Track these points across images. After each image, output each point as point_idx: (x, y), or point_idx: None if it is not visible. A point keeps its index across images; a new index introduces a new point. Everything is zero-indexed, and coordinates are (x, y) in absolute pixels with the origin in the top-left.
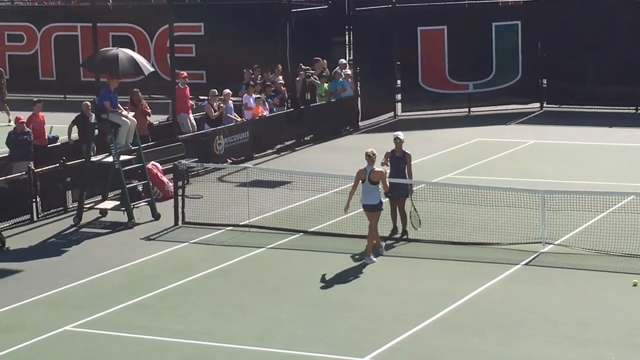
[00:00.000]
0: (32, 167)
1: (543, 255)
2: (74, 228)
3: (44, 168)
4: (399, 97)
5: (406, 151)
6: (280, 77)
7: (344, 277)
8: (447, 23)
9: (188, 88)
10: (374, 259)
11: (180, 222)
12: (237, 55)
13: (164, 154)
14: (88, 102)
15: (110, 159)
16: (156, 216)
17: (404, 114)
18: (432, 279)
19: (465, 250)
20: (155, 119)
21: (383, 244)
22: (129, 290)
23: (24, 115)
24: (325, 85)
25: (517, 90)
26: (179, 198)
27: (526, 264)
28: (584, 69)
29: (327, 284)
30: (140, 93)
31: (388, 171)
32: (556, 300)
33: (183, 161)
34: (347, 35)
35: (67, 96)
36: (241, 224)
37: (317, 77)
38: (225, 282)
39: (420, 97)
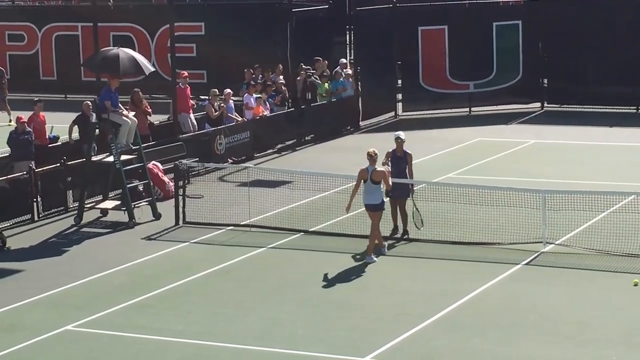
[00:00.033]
0: (33, 167)
1: (544, 255)
2: (74, 228)
3: (44, 168)
4: (399, 96)
5: (407, 151)
6: (281, 77)
7: (345, 276)
8: (448, 23)
9: (189, 88)
10: (375, 258)
11: (180, 222)
12: (237, 55)
13: (165, 154)
14: (89, 102)
15: (111, 158)
16: (157, 216)
17: (404, 113)
18: (433, 278)
19: (466, 250)
20: (156, 119)
21: (385, 244)
22: (129, 290)
23: (25, 115)
24: (326, 85)
25: (517, 90)
26: (180, 198)
27: (527, 264)
28: (584, 68)
29: (327, 283)
30: (141, 93)
31: (389, 170)
32: (557, 300)
33: (184, 161)
34: (347, 35)
35: (67, 96)
36: (242, 223)
37: (317, 77)
38: (225, 282)
39: (421, 97)
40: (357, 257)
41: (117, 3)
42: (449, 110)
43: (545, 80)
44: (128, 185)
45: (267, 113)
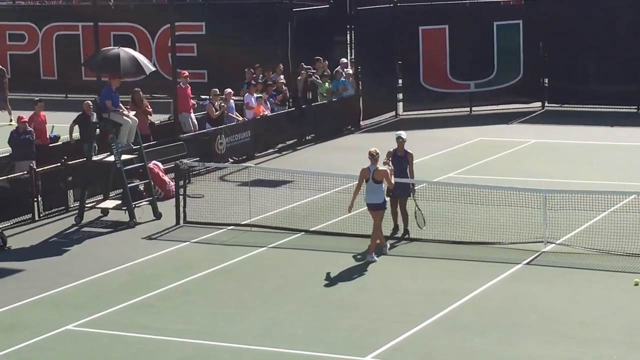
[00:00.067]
0: (34, 167)
1: (544, 255)
2: (75, 227)
3: (45, 167)
4: (400, 96)
5: (408, 151)
6: (282, 77)
7: (345, 276)
8: (449, 22)
9: (189, 87)
10: (375, 257)
11: (181, 222)
12: (238, 54)
13: (166, 154)
14: (89, 102)
15: (111, 158)
16: (157, 215)
17: (405, 113)
18: (433, 278)
19: (467, 249)
20: (156, 119)
21: (387, 244)
22: (130, 289)
23: (26, 115)
24: (327, 84)
25: (518, 90)
26: (181, 197)
27: (527, 264)
28: (585, 68)
29: (328, 283)
30: (141, 92)
31: (392, 169)
32: (557, 300)
33: (184, 160)
34: (348, 35)
35: (68, 95)
36: (242, 223)
37: (318, 77)
38: (226, 282)
39: (422, 97)
40: (358, 256)
41: (117, 3)
42: (449, 110)
43: (546, 80)
44: (129, 185)
45: (267, 113)
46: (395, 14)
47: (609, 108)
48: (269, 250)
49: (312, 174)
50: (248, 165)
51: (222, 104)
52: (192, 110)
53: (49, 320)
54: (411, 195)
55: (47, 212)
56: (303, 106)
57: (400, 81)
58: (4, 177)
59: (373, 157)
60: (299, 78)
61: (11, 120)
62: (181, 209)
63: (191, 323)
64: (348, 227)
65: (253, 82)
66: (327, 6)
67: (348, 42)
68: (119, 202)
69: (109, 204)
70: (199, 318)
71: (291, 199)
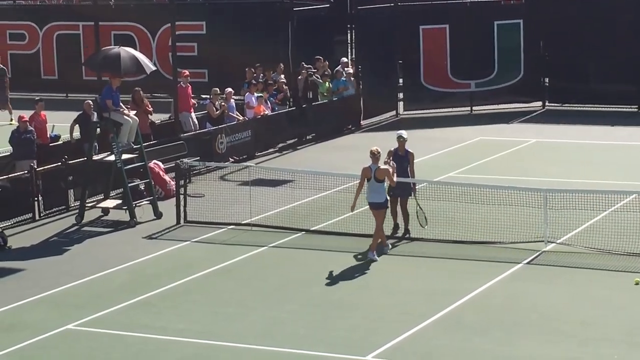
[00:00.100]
0: (35, 166)
1: (545, 254)
2: (75, 227)
3: (46, 167)
4: (400, 95)
5: (409, 150)
6: (282, 76)
7: (346, 276)
8: (449, 22)
9: (190, 87)
10: (376, 256)
11: (182, 221)
12: (239, 54)
13: (166, 153)
14: (90, 101)
15: (112, 157)
16: (158, 215)
17: (405, 112)
18: (434, 277)
19: (467, 249)
20: (157, 118)
21: (389, 244)
22: (130, 289)
23: (26, 114)
24: (327, 84)
25: (519, 89)
26: (181, 197)
27: (528, 263)
28: (586, 67)
29: (329, 282)
30: (142, 92)
31: (394, 166)
32: (558, 299)
33: (185, 160)
34: (349, 34)
35: (69, 95)
36: (243, 222)
37: (319, 76)
38: (226, 281)
39: (422, 96)
40: (359, 256)
41: (118, 2)
42: (450, 109)
43: (547, 79)
44: (129, 184)
45: (268, 112)
46: (396, 13)
47: (610, 107)
48: (270, 249)
49: (312, 173)
50: (248, 164)
51: (223, 104)
52: (192, 110)
53: (50, 320)
54: (412, 195)
55: (47, 212)
56: (303, 106)
57: (400, 81)
58: (5, 177)
59: (374, 156)
60: (299, 77)
61: (12, 120)
62: (182, 208)
63: (192, 322)
64: (348, 227)
65: (253, 81)
66: (328, 5)
67: (348, 41)
68: (120, 201)
69: (110, 203)
70: (200, 317)
71: (292, 198)
